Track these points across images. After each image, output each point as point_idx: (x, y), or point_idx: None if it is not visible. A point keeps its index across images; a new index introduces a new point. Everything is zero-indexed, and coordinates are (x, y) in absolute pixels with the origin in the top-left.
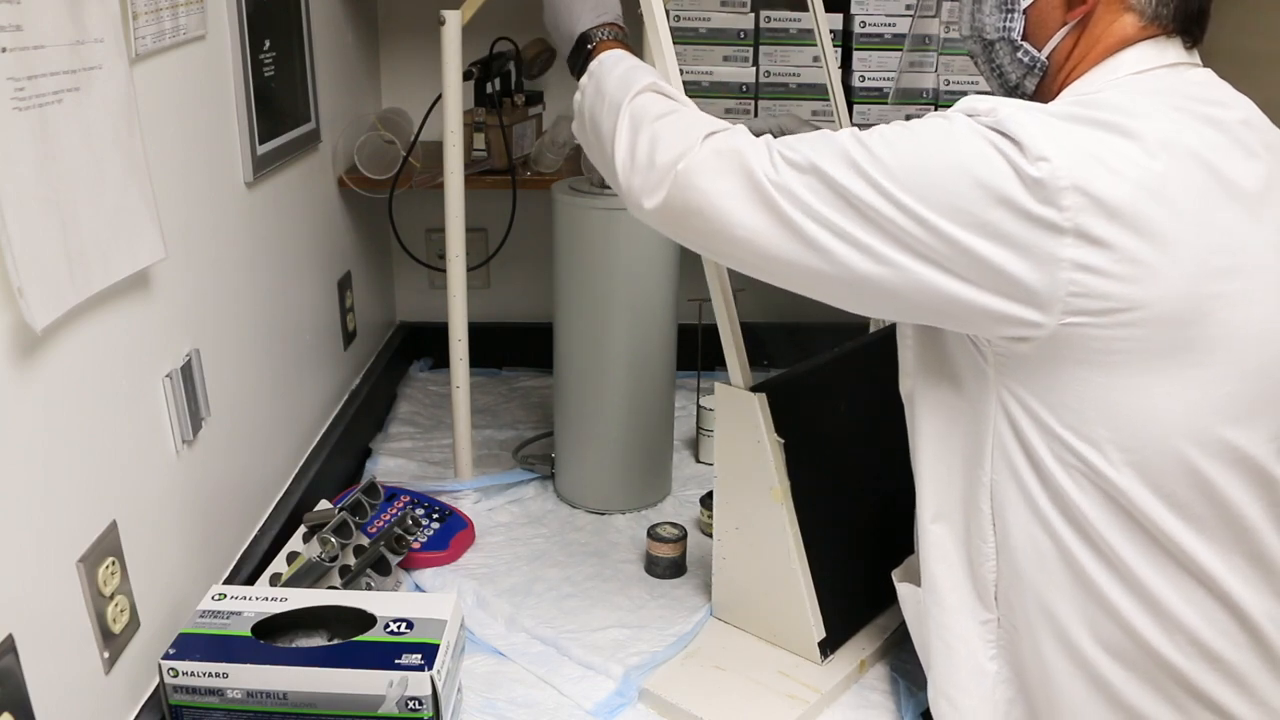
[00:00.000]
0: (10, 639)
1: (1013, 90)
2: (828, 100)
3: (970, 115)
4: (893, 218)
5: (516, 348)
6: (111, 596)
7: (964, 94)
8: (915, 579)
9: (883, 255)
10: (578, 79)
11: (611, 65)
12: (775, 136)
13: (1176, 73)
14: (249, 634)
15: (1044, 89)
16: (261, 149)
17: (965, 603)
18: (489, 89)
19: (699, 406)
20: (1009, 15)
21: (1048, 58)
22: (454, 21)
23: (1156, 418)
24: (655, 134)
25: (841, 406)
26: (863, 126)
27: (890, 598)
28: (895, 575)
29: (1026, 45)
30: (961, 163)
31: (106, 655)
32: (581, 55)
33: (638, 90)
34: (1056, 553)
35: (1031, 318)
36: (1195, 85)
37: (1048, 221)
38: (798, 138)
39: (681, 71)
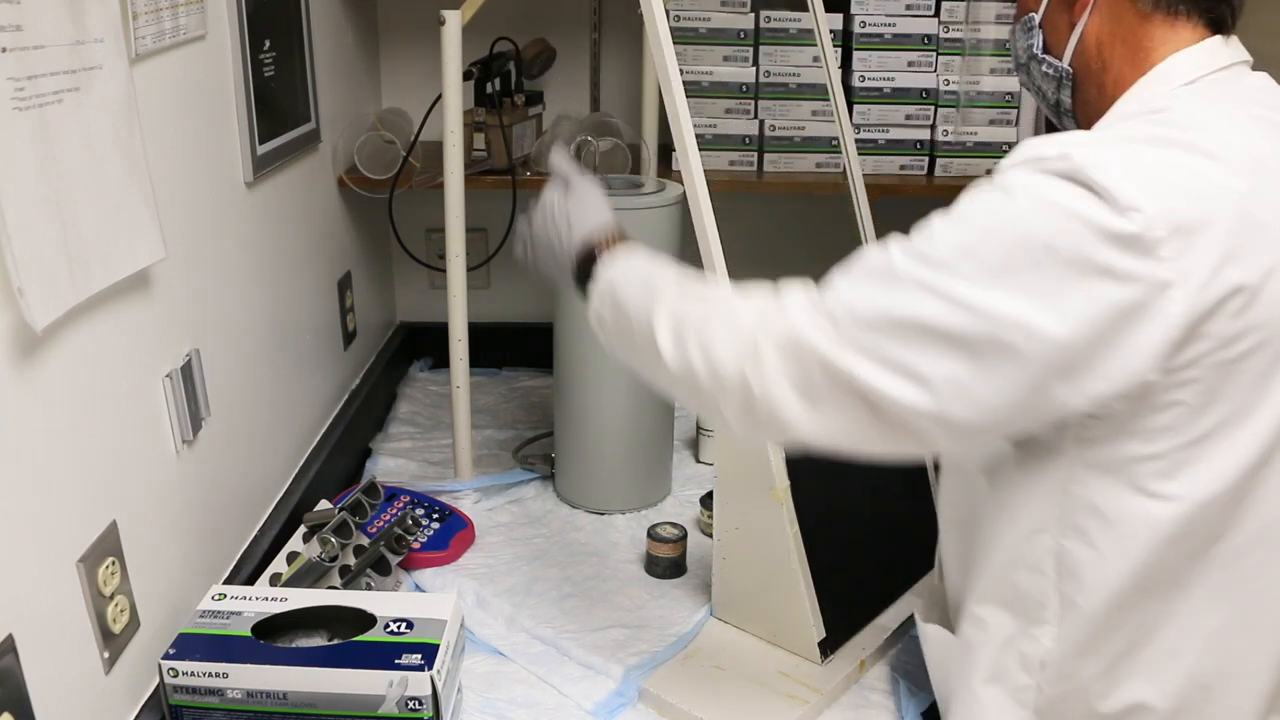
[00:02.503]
0: (10, 639)
1: (1055, 107)
2: (828, 100)
3: (1037, 161)
4: (988, 332)
5: (516, 348)
6: (111, 596)
7: (966, 94)
8: (940, 619)
9: (986, 385)
10: (583, 291)
11: (622, 280)
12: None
13: (1234, 76)
14: (249, 634)
15: (1087, 102)
16: (261, 149)
17: (1004, 671)
18: (489, 89)
19: None
20: (1030, 33)
21: (1070, 65)
22: (454, 21)
23: (1258, 441)
24: (704, 346)
25: None
26: (861, 130)
27: (890, 598)
28: (918, 612)
29: (1048, 58)
30: (1040, 243)
31: (106, 655)
32: (585, 270)
33: (661, 298)
34: (1134, 603)
35: (1143, 380)
36: (1257, 90)
37: (1149, 277)
38: (850, 281)
39: (681, 71)
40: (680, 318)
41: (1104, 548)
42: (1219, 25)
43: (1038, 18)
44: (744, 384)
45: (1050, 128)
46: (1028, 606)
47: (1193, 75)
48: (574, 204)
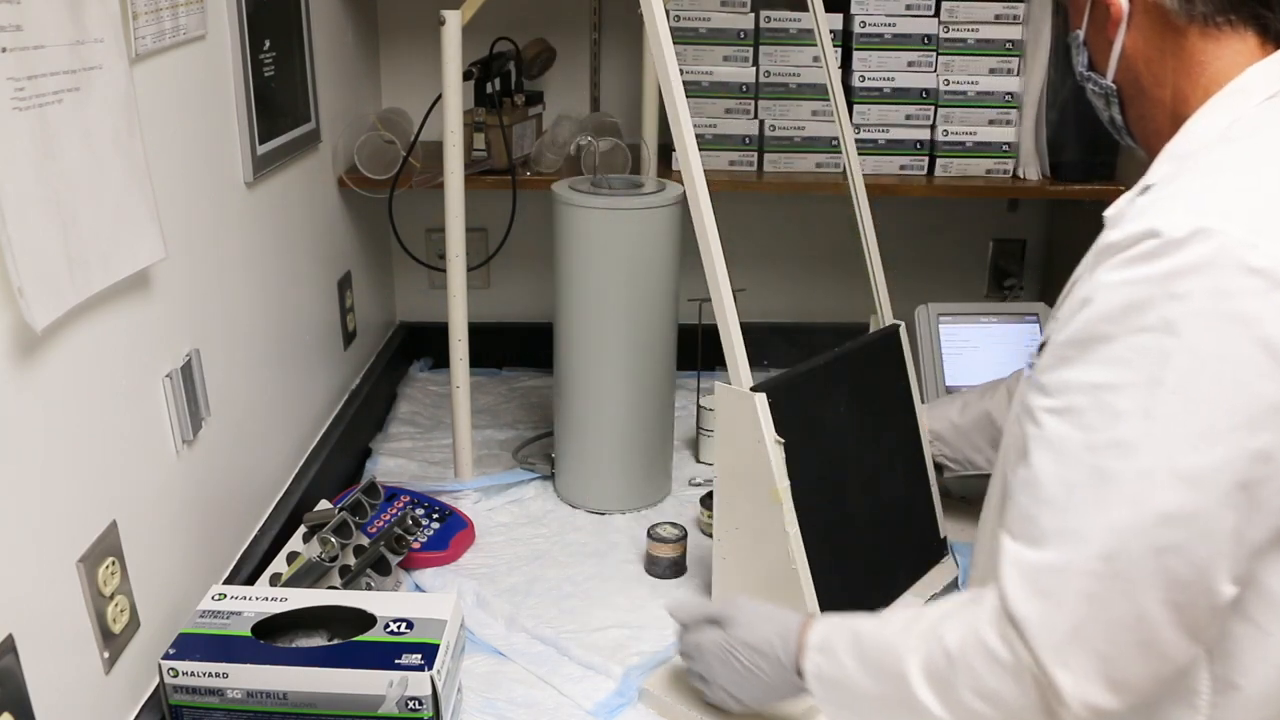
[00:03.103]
0: (10, 639)
1: (1111, 124)
2: (828, 100)
3: (1171, 249)
4: (1236, 481)
5: (516, 348)
6: (111, 596)
7: (964, 94)
8: None
9: (1258, 528)
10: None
11: (830, 664)
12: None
13: None
14: (249, 634)
15: (1144, 118)
16: (261, 149)
17: None
18: (489, 89)
19: (699, 406)
20: (1079, 51)
21: (1115, 82)
22: (454, 21)
23: None
24: (985, 695)
25: (841, 406)
26: (861, 130)
27: (890, 598)
28: None
29: (1093, 75)
30: (1237, 366)
31: (106, 655)
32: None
33: (901, 661)
34: None
35: None
36: None
37: None
38: (1065, 514)
39: (681, 71)
40: (935, 676)
41: (1265, 622)
42: (1269, 32)
43: (1081, 35)
44: (1051, 714)
45: (1052, 129)
46: (1177, 692)
47: (1273, 89)
48: (746, 632)
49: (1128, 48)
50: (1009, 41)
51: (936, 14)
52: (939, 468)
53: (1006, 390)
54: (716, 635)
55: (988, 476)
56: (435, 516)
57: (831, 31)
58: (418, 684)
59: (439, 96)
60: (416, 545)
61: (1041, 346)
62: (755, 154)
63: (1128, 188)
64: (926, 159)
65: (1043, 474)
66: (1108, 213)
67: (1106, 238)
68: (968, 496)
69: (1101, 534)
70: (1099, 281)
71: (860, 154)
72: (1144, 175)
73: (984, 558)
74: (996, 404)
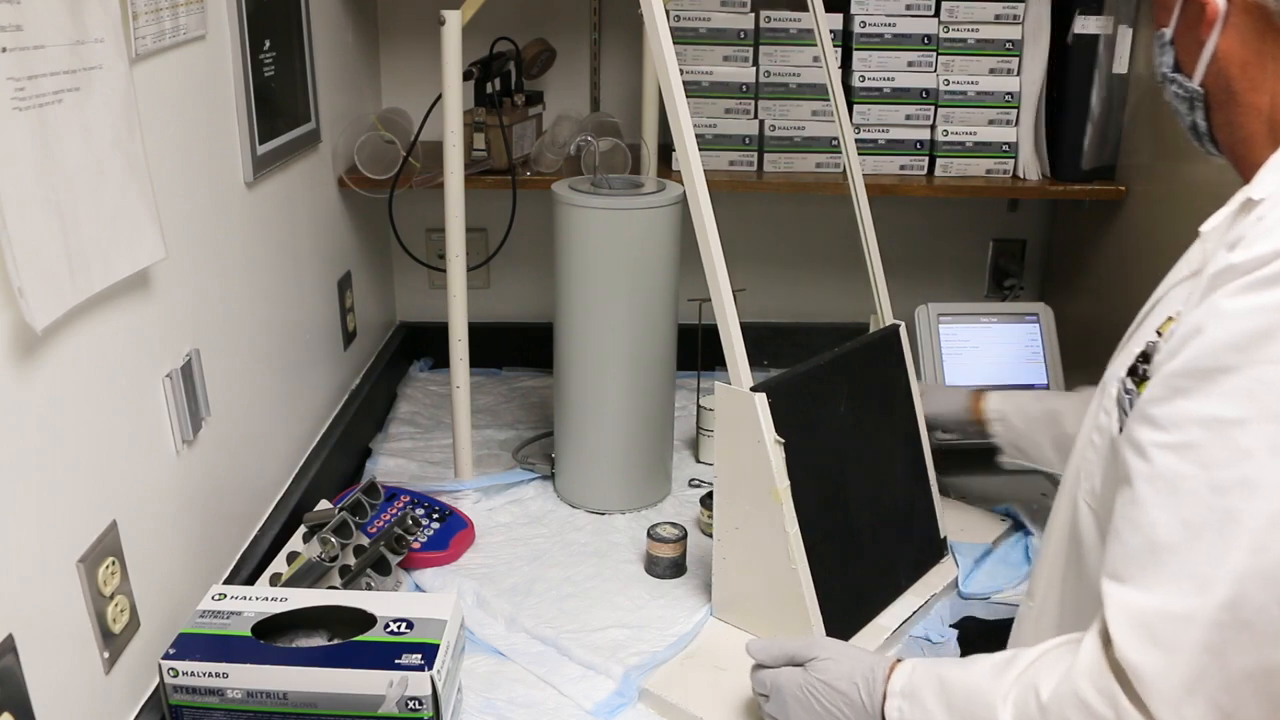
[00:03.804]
0: (10, 639)
1: (1193, 129)
2: (828, 100)
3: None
4: None
5: (516, 348)
6: (111, 596)
7: (964, 94)
8: None
9: None
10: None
11: (921, 717)
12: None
13: None
14: (249, 634)
15: (1232, 125)
16: (261, 149)
17: None
18: (489, 89)
19: (699, 406)
20: (1162, 50)
21: (1202, 85)
22: (454, 21)
23: None
24: None
25: (841, 407)
26: (861, 130)
27: (890, 598)
28: None
29: (1179, 78)
30: None
31: (106, 655)
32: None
33: (992, 709)
34: None
35: None
36: None
37: None
38: (1185, 561)
39: (681, 71)
40: None
41: None
42: None
43: (1169, 34)
44: None
45: (1050, 128)
46: None
47: None
48: (828, 673)
49: (1221, 49)
50: (1009, 41)
51: (936, 14)
52: (995, 449)
53: (1080, 398)
54: (796, 674)
55: (1003, 473)
56: (435, 516)
57: (831, 31)
58: (418, 684)
59: (439, 96)
60: (416, 545)
61: (1133, 373)
62: (755, 154)
63: (1128, 188)
64: (926, 159)
65: (1157, 514)
66: (1204, 228)
67: (1226, 259)
68: (967, 497)
69: (1226, 580)
70: (1219, 308)
71: (860, 154)
72: (1247, 187)
73: (1043, 586)
74: (1068, 404)
